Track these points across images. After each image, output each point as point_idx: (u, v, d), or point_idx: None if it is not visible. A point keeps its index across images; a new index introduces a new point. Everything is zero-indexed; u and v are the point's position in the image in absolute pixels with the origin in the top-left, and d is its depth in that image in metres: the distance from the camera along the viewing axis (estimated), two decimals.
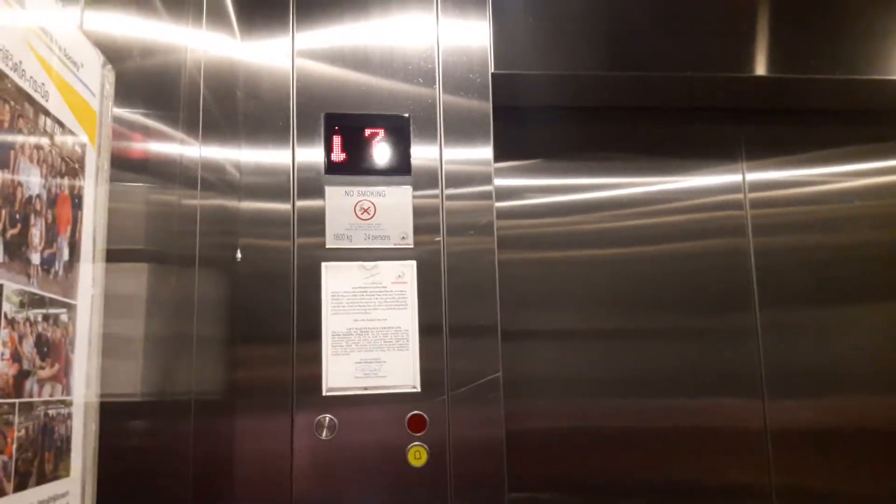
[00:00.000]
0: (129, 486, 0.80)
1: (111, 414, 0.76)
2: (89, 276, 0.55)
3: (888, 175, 1.87)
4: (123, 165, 0.76)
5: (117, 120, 0.71)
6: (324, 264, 1.47)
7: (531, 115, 1.81)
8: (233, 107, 1.45)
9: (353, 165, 1.52)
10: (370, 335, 1.46)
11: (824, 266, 1.82)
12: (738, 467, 1.73)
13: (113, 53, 0.67)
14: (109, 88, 0.58)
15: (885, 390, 1.78)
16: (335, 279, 1.47)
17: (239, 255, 1.44)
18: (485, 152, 1.55)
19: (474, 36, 1.60)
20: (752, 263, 1.81)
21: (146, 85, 0.83)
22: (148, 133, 0.82)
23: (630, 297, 1.77)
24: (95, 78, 0.56)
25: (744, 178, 1.84)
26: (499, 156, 1.70)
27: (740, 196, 1.84)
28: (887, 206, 1.86)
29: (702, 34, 1.71)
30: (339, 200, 1.51)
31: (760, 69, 1.69)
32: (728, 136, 1.85)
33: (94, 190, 0.54)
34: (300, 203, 1.49)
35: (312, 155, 1.51)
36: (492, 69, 1.59)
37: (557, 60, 1.67)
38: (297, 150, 1.51)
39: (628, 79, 1.72)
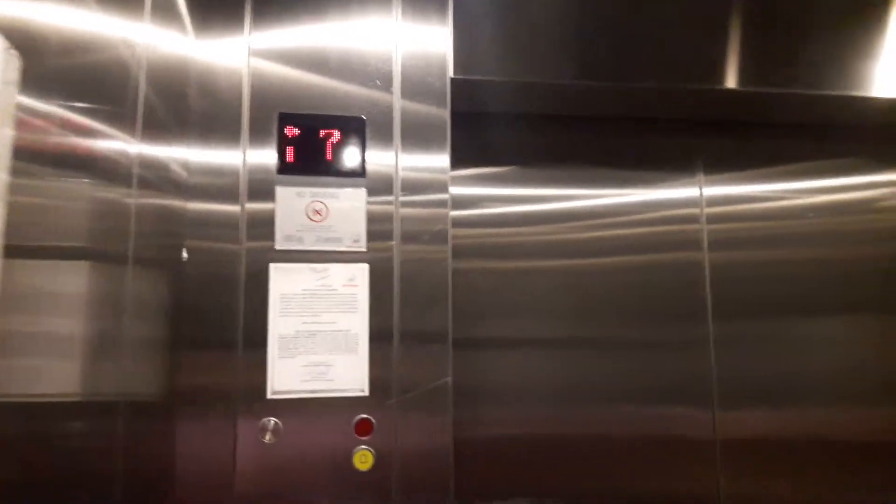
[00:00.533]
0: (46, 487, 0.78)
1: (29, 413, 0.74)
2: None
3: (846, 192, 1.90)
4: (45, 159, 0.74)
5: (36, 112, 0.70)
6: (272, 265, 1.46)
7: (490, 123, 1.81)
8: (183, 105, 1.43)
9: (306, 166, 1.51)
10: (319, 338, 1.44)
11: (779, 281, 1.85)
12: (687, 476, 1.74)
13: (30, 41, 0.66)
14: (13, 73, 0.56)
15: (835, 402, 1.81)
16: (284, 281, 1.45)
17: (185, 254, 1.42)
18: (441, 159, 1.55)
19: (434, 41, 1.60)
20: (706, 277, 1.83)
21: (74, 77, 0.82)
22: (73, 127, 0.80)
23: (585, 307, 1.78)
24: None
25: (701, 193, 1.87)
26: (456, 163, 1.70)
27: (697, 210, 1.86)
28: (843, 223, 1.89)
29: (667, 45, 1.72)
30: (291, 201, 1.50)
31: (725, 82, 1.71)
32: (687, 148, 1.87)
33: None
34: (250, 205, 1.47)
35: (264, 156, 1.49)
36: (451, 74, 1.59)
37: (518, 67, 1.68)
38: (248, 150, 1.49)
39: (589, 88, 1.72)
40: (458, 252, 1.70)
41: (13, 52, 0.55)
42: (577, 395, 1.73)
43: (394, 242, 1.50)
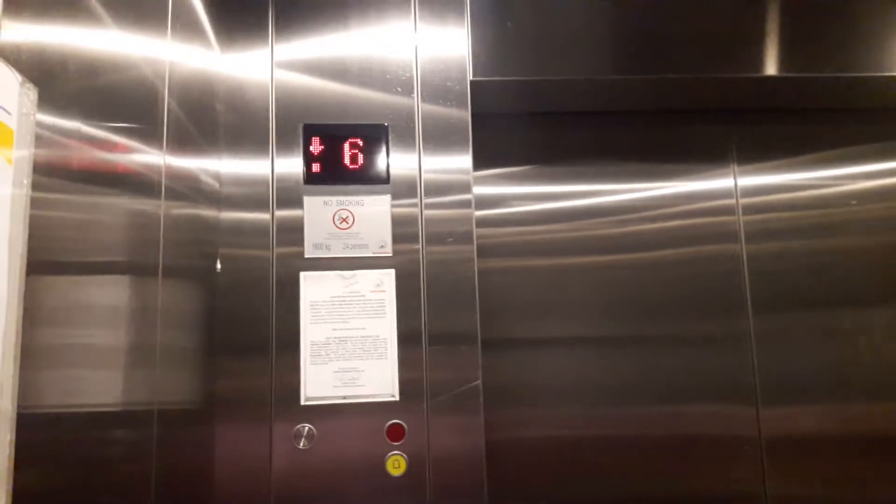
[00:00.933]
0: (79, 494, 0.80)
1: (63, 423, 0.76)
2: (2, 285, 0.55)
3: (887, 177, 1.83)
4: (74, 177, 0.77)
5: (63, 132, 0.72)
6: (302, 274, 1.48)
7: (512, 122, 1.81)
8: (211, 118, 1.46)
9: (332, 175, 1.53)
10: (349, 344, 1.45)
11: (819, 271, 1.79)
12: (731, 475, 1.70)
13: (57, 66, 0.68)
14: (30, 105, 0.58)
15: (881, 397, 1.74)
16: (314, 288, 1.47)
17: (219, 265, 1.45)
18: (464, 160, 1.55)
19: (452, 43, 1.60)
20: (744, 269, 1.79)
21: (99, 98, 0.84)
22: (100, 144, 0.83)
23: (619, 304, 1.75)
24: (12, 97, 0.57)
25: (735, 183, 1.82)
26: (479, 164, 1.71)
27: (732, 201, 1.81)
28: (885, 209, 1.82)
29: (693, 34, 1.68)
30: (318, 210, 1.52)
31: (756, 69, 1.66)
32: (719, 138, 1.83)
33: (8, 203, 0.55)
34: (279, 213, 1.50)
35: (291, 165, 1.52)
36: (470, 76, 1.59)
37: (537, 66, 1.67)
38: (276, 160, 1.52)
39: (612, 82, 1.70)
40: (484, 251, 1.69)
41: (29, 85, 0.58)
42: (611, 395, 1.71)
43: (419, 245, 1.51)
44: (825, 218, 1.81)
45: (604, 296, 1.75)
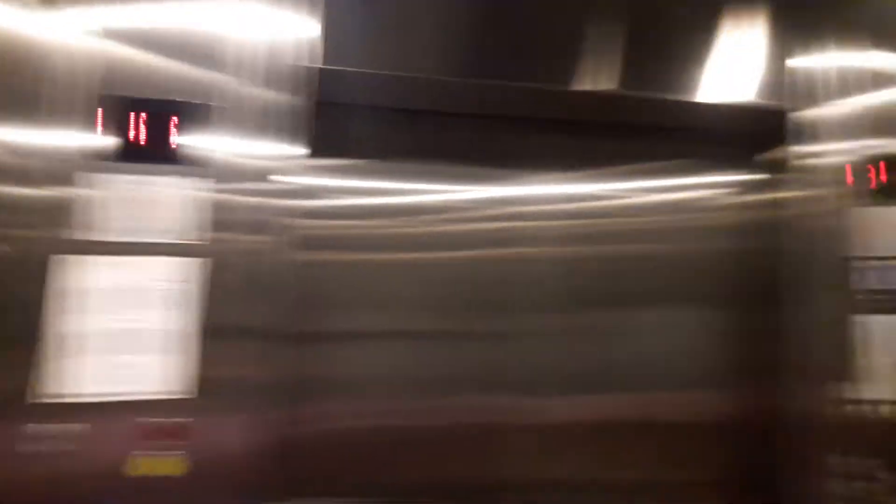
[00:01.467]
0: None
1: None
2: None
3: (674, 192, 1.98)
4: None
5: None
6: (74, 257, 1.35)
7: (351, 114, 1.75)
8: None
9: (135, 152, 1.41)
10: (126, 337, 1.34)
11: (614, 274, 1.90)
12: (506, 463, 1.76)
13: None
14: None
15: (644, 387, 1.88)
16: (88, 274, 1.35)
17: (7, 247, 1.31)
18: (289, 149, 1.48)
19: (294, 27, 1.52)
20: (547, 270, 1.85)
21: None
22: None
23: (426, 299, 1.75)
24: None
25: (540, 191, 1.88)
26: (310, 153, 1.63)
27: (538, 207, 1.87)
28: (667, 222, 1.96)
29: (533, 47, 1.74)
30: (112, 189, 1.39)
31: (587, 84, 1.75)
32: (548, 147, 1.88)
33: None
34: (63, 190, 1.36)
35: (85, 139, 1.39)
36: (312, 63, 1.52)
37: (387, 60, 1.63)
38: (70, 133, 1.38)
39: (453, 84, 1.69)
40: (311, 243, 1.65)
41: None
42: (410, 388, 1.71)
43: (229, 234, 1.42)
44: (618, 226, 1.93)
45: (414, 291, 1.75)
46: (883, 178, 1.84)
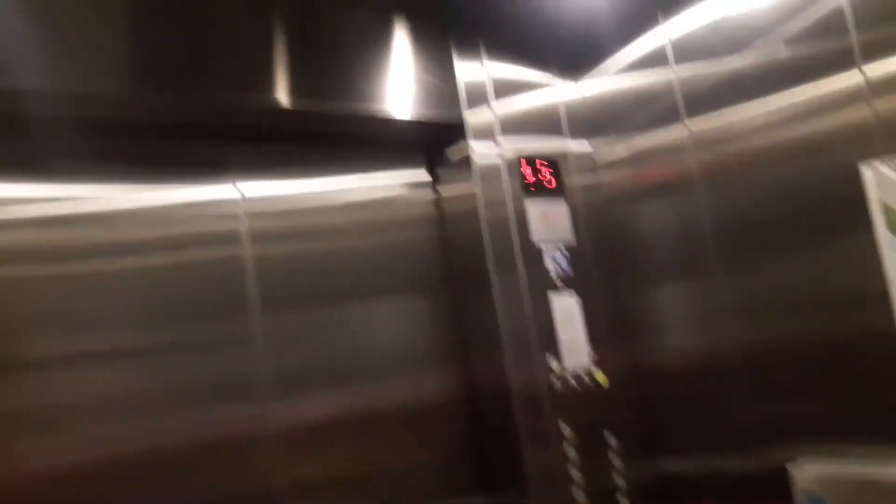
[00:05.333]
0: None
1: None
2: None
3: (361, 192, 2.15)
4: None
5: None
6: None
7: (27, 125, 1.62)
8: None
9: None
10: None
11: (319, 271, 2.00)
12: (245, 474, 1.77)
13: None
14: None
15: (379, 379, 2.02)
16: None
17: None
18: None
19: None
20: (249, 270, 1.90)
21: None
22: None
23: (125, 313, 1.69)
24: None
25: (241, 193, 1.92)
26: None
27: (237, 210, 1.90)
28: (368, 218, 2.14)
29: (219, 59, 1.76)
30: None
31: (270, 98, 1.81)
32: (224, 154, 1.93)
33: None
34: None
35: None
36: None
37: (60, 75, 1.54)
38: None
39: (141, 96, 1.66)
40: None
41: None
42: (121, 409, 1.63)
43: None
44: (322, 224, 2.05)
45: (106, 305, 1.68)
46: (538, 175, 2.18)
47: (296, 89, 1.86)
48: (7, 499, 1.47)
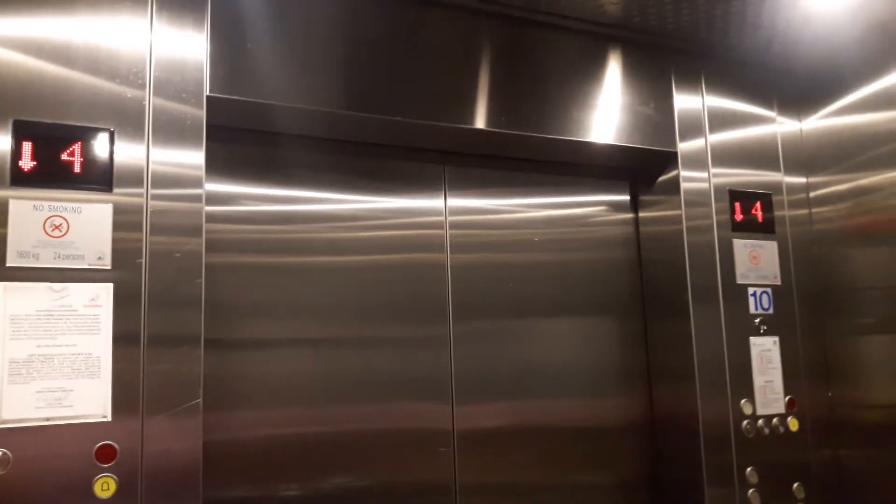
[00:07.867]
0: None
1: None
2: None
3: (561, 209, 2.18)
4: None
5: None
6: (2, 284, 1.35)
7: (255, 138, 1.82)
8: None
9: (46, 177, 1.41)
10: (55, 362, 1.37)
11: (512, 281, 2.06)
12: (427, 467, 1.89)
13: None
14: None
15: (563, 394, 2.07)
16: (16, 301, 1.36)
17: None
18: (195, 170, 1.52)
19: (190, 50, 1.57)
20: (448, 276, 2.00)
21: None
22: None
23: (339, 305, 1.85)
24: None
25: (446, 204, 2.02)
26: (213, 174, 1.69)
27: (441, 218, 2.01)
28: (560, 234, 2.16)
29: (415, 85, 1.83)
30: (26, 215, 1.39)
31: (470, 122, 1.88)
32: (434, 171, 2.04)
33: None
34: None
35: None
36: (207, 91, 1.56)
37: (272, 91, 1.65)
38: None
39: (341, 116, 1.77)
40: (213, 268, 1.66)
41: None
42: (330, 394, 1.80)
43: (142, 259, 1.46)
44: (517, 237, 2.11)
45: (324, 297, 1.84)
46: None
47: (508, 117, 1.91)
48: (224, 461, 1.66)
